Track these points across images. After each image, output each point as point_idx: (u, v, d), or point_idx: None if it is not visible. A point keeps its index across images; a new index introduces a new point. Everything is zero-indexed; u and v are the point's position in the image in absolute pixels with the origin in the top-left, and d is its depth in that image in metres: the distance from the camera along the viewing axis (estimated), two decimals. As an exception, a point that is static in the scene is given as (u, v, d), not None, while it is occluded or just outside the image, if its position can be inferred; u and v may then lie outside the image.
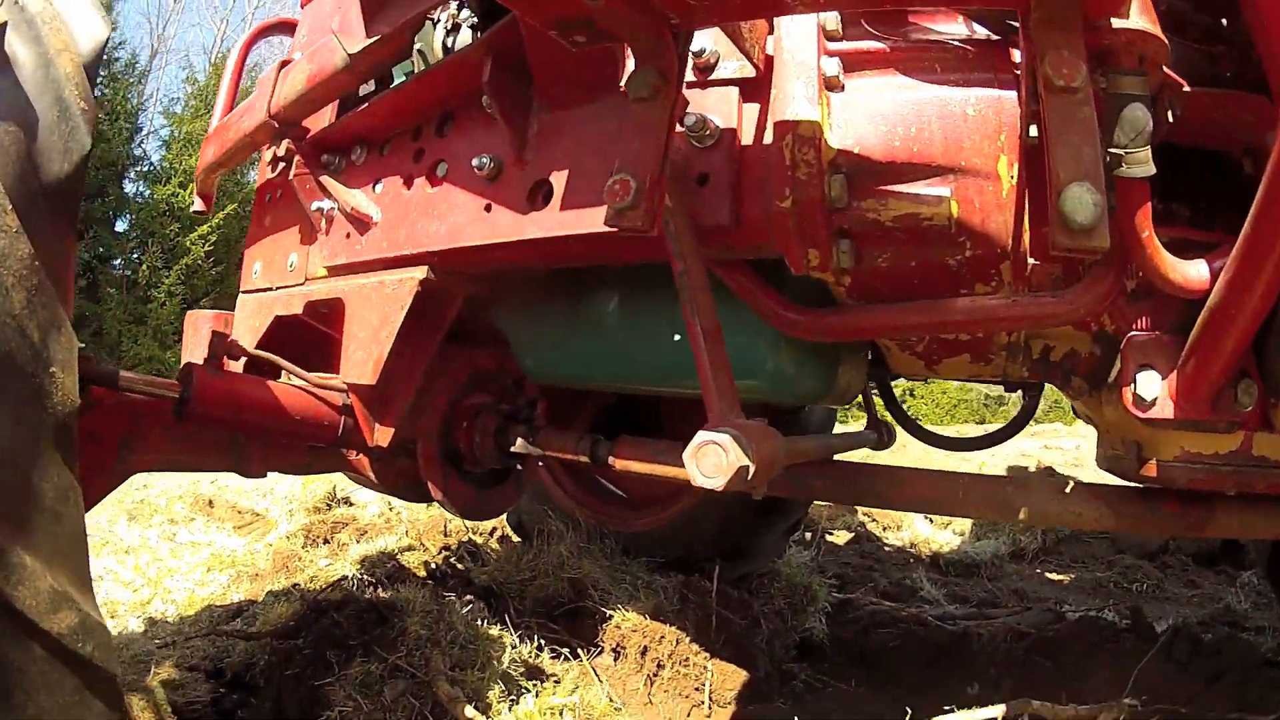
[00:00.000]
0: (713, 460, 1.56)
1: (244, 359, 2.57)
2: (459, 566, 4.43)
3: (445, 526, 4.93)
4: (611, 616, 3.53)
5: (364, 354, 2.36)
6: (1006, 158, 1.69)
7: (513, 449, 2.72)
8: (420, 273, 2.29)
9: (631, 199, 1.54)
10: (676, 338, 2.26)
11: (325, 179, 2.63)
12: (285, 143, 2.65)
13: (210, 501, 6.75)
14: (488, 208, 2.14)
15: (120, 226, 22.80)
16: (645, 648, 3.41)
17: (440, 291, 2.37)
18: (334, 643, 3.18)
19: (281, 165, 2.74)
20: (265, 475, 2.66)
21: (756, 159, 1.81)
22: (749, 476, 1.57)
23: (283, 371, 2.59)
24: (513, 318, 2.70)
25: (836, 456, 2.54)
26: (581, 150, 1.98)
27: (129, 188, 23.40)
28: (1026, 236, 1.71)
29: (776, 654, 3.61)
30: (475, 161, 2.12)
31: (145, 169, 24.08)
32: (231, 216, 22.57)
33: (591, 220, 1.89)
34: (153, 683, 3.05)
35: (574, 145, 2.00)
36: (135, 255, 22.56)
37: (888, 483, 2.43)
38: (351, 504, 6.32)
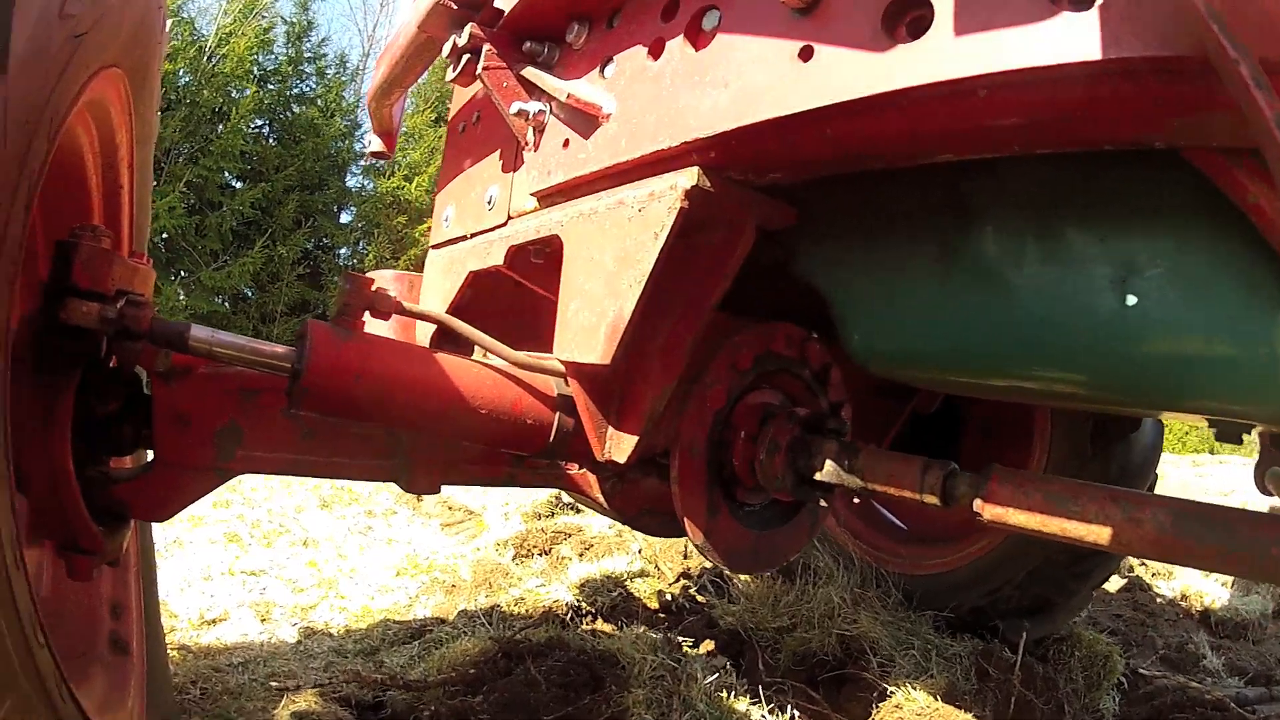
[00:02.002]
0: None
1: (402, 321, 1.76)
2: (699, 600, 3.58)
3: (686, 549, 4.09)
4: (891, 693, 2.74)
5: (592, 317, 1.49)
6: None
7: (817, 476, 1.78)
8: (686, 177, 1.40)
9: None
10: (1132, 300, 1.30)
11: (529, 71, 1.81)
12: (469, 29, 1.84)
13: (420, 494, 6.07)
14: (805, 53, 1.23)
15: (344, 218, 23.52)
16: None
17: (718, 212, 1.48)
18: (524, 707, 2.41)
19: (466, 61, 1.92)
20: (437, 490, 1.87)
21: None
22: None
23: (475, 348, 1.78)
24: (839, 265, 1.77)
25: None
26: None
27: (351, 181, 24.24)
28: None
29: (1074, 747, 2.87)
30: (776, -11, 1.21)
31: (368, 163, 24.89)
32: (457, 212, 22.80)
33: (1041, 46, 0.97)
34: (282, 713, 2.41)
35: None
36: (361, 245, 23.22)
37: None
38: (579, 511, 5.45)
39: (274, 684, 2.68)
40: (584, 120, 1.65)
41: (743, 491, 1.90)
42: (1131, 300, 1.30)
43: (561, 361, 1.60)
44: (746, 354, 1.83)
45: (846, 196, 1.65)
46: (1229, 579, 5.48)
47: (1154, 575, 5.56)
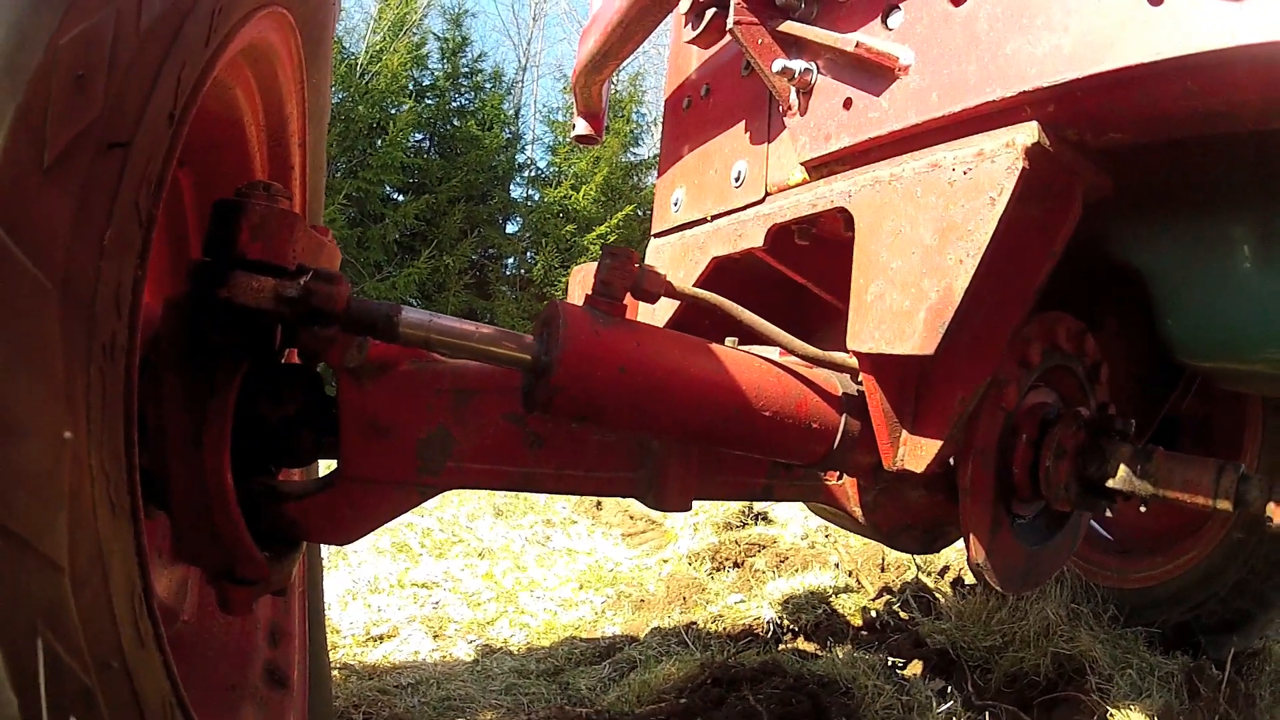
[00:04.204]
0: None
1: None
2: (903, 617, 3.32)
3: (883, 560, 3.81)
4: (1110, 715, 2.50)
5: (905, 300, 1.27)
6: None
7: (1110, 483, 1.52)
8: (1025, 134, 1.17)
9: None
10: None
11: (791, 25, 1.60)
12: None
13: (599, 503, 5.78)
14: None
15: (511, 229, 23.98)
16: None
17: (1050, 178, 1.25)
18: (750, 742, 2.19)
19: (712, 16, 1.73)
20: (689, 508, 1.63)
21: None
22: None
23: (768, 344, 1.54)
24: (1163, 242, 1.53)
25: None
26: None
27: (516, 192, 24.74)
28: None
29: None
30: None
31: (532, 174, 25.43)
32: (631, 218, 22.98)
33: None
34: None
35: None
36: (529, 255, 23.65)
37: None
38: (770, 521, 5.11)
39: (450, 708, 2.48)
40: (874, 75, 1.43)
41: (1018, 503, 1.67)
42: None
43: (857, 354, 1.38)
44: (1036, 348, 1.58)
45: (1169, 165, 1.42)
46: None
47: None
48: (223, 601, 1.26)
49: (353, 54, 21.10)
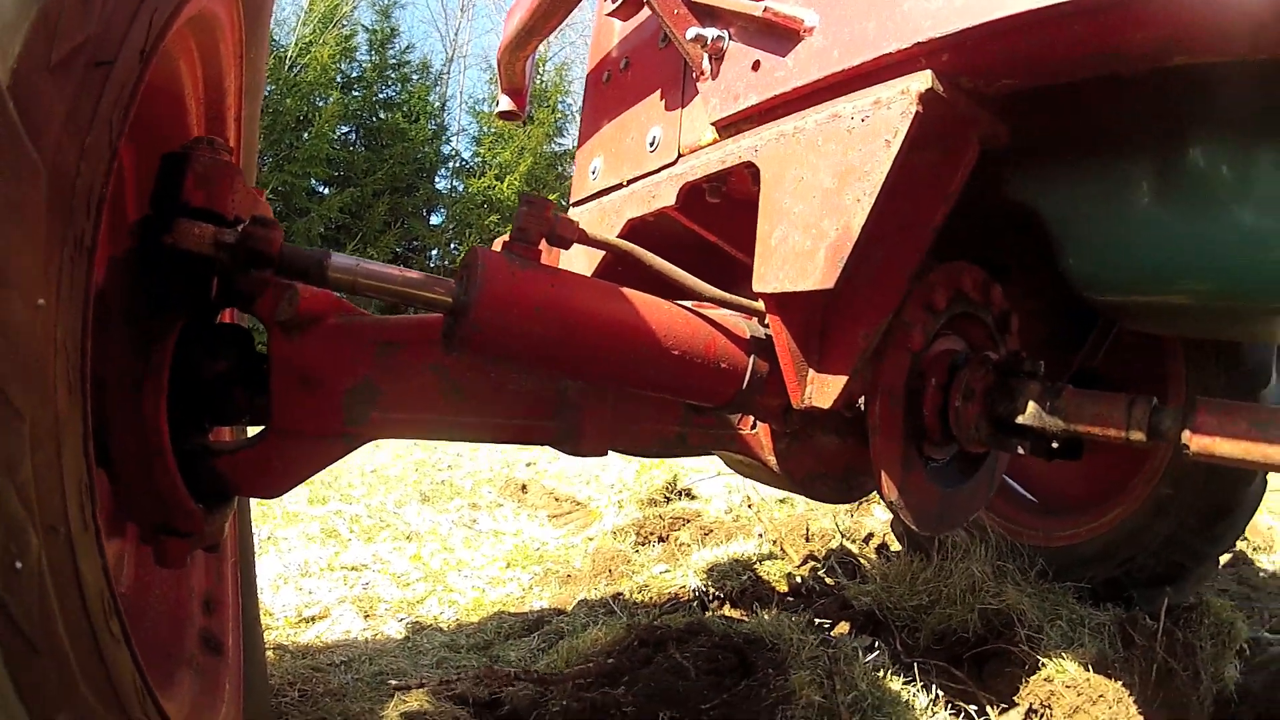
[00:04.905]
0: None
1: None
2: (829, 583, 3.40)
3: (807, 529, 3.91)
4: (1042, 665, 2.55)
5: (807, 240, 1.34)
6: None
7: (1019, 419, 1.62)
8: (919, 81, 1.25)
9: None
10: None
11: (705, -8, 1.67)
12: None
13: (524, 486, 5.91)
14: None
15: (435, 220, 23.86)
16: (1076, 709, 2.44)
17: (943, 125, 1.33)
18: (675, 698, 2.24)
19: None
20: (604, 453, 1.70)
21: None
22: None
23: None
24: (1059, 184, 1.64)
25: None
26: None
27: (441, 184, 24.62)
28: None
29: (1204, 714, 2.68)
30: None
31: (457, 165, 25.31)
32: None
33: None
34: (390, 714, 2.24)
35: None
36: (453, 246, 23.45)
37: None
38: (694, 497, 5.21)
39: (382, 683, 2.51)
40: (780, 38, 1.51)
41: (930, 446, 1.76)
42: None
43: (763, 296, 1.45)
44: (942, 293, 1.67)
45: (1064, 109, 1.51)
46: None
47: (1255, 550, 5.31)
48: (159, 556, 1.29)
49: (283, 47, 20.74)
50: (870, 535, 4.03)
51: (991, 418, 1.70)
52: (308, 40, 21.14)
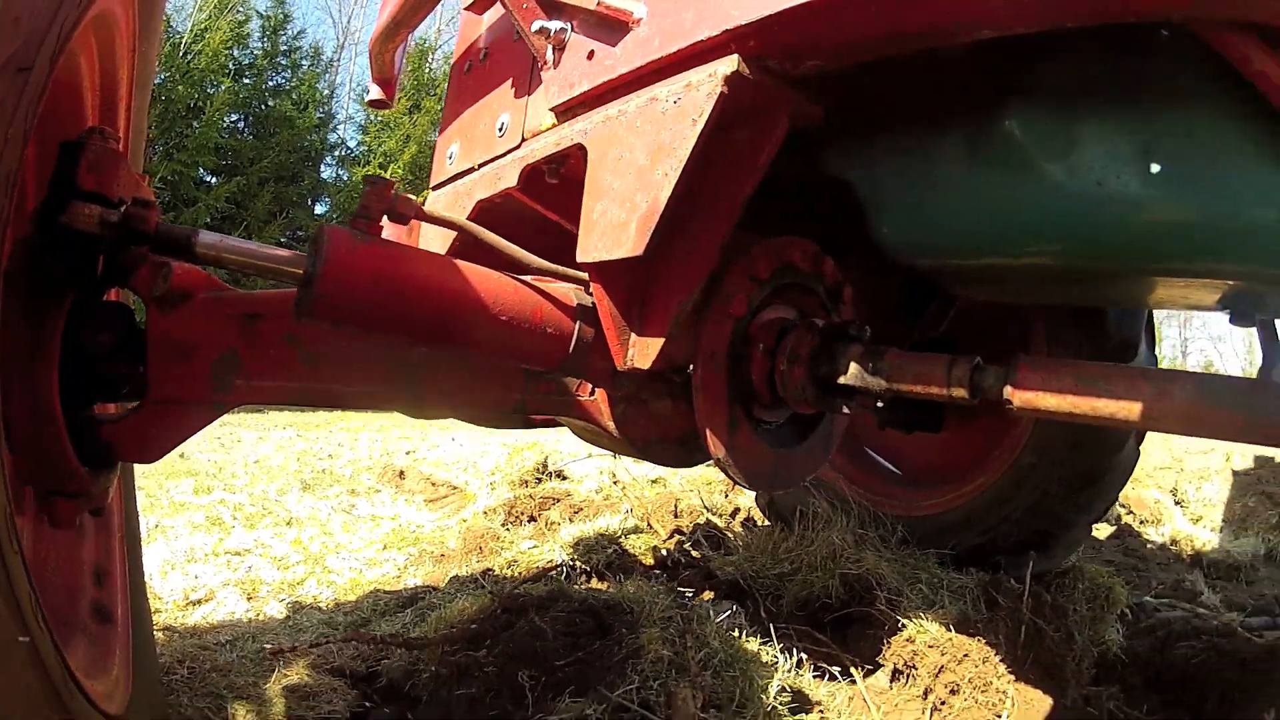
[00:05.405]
0: None
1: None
2: (695, 555, 3.54)
3: (676, 506, 4.05)
4: (904, 627, 2.67)
5: (621, 213, 1.47)
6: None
7: (841, 380, 1.77)
8: (726, 64, 1.38)
9: None
10: (1156, 168, 1.40)
11: (550, -14, 1.79)
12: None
13: (401, 473, 6.04)
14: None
15: (320, 209, 23.42)
16: (941, 668, 2.52)
17: (753, 104, 1.47)
18: (533, 658, 2.33)
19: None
20: (447, 415, 1.86)
21: None
22: None
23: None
24: (869, 155, 1.79)
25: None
26: None
27: (326, 172, 24.19)
28: None
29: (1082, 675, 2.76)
30: None
31: (343, 154, 24.88)
32: (440, 195, 22.76)
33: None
34: (273, 688, 2.33)
35: None
36: (337, 235, 22.89)
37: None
38: (565, 478, 5.38)
39: (265, 658, 2.59)
40: (612, 29, 1.63)
41: (760, 408, 1.89)
42: (1155, 168, 1.39)
43: (585, 266, 1.58)
44: (765, 264, 1.81)
45: (872, 88, 1.66)
46: (1218, 523, 5.76)
47: (1142, 522, 5.62)
48: (52, 517, 1.42)
49: (179, 33, 20.05)
50: (737, 510, 4.18)
51: (816, 379, 1.81)
52: (203, 26, 20.54)
